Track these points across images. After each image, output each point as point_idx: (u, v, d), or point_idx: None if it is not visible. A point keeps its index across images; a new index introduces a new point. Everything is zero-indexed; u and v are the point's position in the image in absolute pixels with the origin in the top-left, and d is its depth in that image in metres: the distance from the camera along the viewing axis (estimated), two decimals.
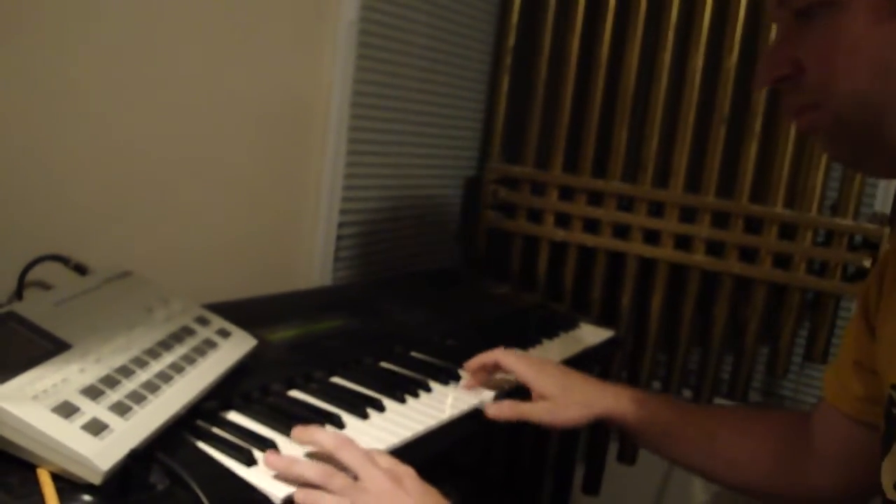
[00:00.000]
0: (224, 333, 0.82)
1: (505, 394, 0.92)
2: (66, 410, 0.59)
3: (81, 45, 0.90)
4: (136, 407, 0.63)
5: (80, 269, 0.89)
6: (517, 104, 1.63)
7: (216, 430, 0.71)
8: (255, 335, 0.85)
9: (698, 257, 1.48)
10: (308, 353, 0.93)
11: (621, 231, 1.54)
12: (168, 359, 0.72)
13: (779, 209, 1.42)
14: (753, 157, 1.43)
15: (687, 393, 1.57)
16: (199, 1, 1.02)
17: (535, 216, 1.60)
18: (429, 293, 1.35)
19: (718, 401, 1.58)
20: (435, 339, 1.09)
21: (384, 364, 0.97)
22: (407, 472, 0.67)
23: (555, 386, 0.90)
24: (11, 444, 0.57)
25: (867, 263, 1.37)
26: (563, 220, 1.57)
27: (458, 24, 1.54)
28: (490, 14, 1.64)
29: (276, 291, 1.18)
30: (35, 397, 0.58)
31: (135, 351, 0.70)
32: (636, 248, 1.52)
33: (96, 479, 0.56)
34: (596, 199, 1.54)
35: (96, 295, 0.77)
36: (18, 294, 0.86)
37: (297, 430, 0.71)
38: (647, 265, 1.53)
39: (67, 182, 0.92)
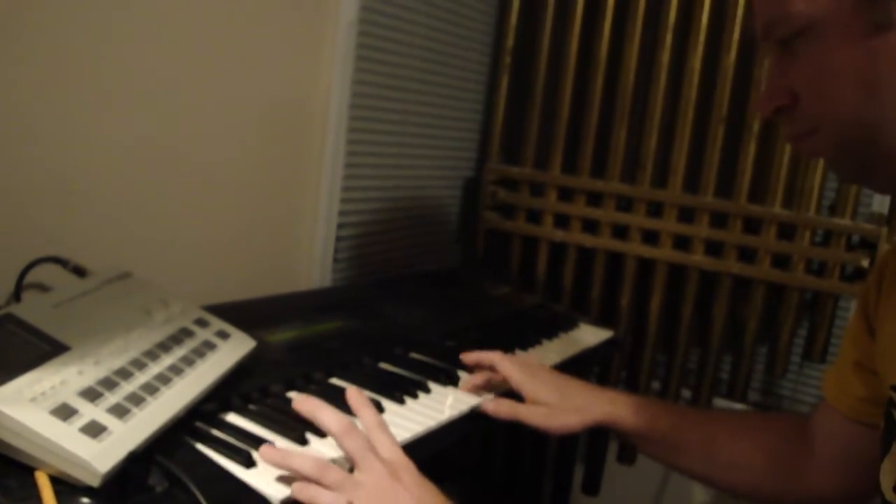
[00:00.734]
0: (223, 335, 0.82)
1: (504, 395, 0.92)
2: (65, 413, 0.59)
3: (80, 47, 0.90)
4: (134, 409, 0.63)
5: (79, 271, 0.89)
6: (516, 105, 1.63)
7: (215, 432, 0.70)
8: (254, 336, 0.85)
9: (697, 257, 1.48)
10: (307, 354, 0.93)
11: (620, 231, 1.54)
12: (167, 361, 0.72)
13: (777, 209, 1.42)
14: (752, 157, 1.43)
15: (686, 393, 1.57)
16: (198, 1, 1.02)
17: (534, 217, 1.60)
18: (428, 294, 1.35)
19: (718, 400, 1.59)
20: (434, 339, 1.09)
21: (383, 365, 0.97)
22: (406, 465, 0.67)
23: (551, 392, 0.89)
24: (10, 446, 0.57)
25: (865, 263, 1.37)
26: (562, 221, 1.57)
27: (456, 24, 1.55)
28: (489, 15, 1.64)
29: (275, 292, 1.18)
30: (33, 399, 0.58)
31: (133, 353, 0.70)
32: (635, 248, 1.52)
33: (95, 482, 0.56)
34: (595, 199, 1.54)
35: (95, 297, 0.77)
36: (17, 296, 0.86)
37: (300, 401, 0.69)
38: (646, 265, 1.53)
39: (66, 183, 0.92)
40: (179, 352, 0.75)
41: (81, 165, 0.93)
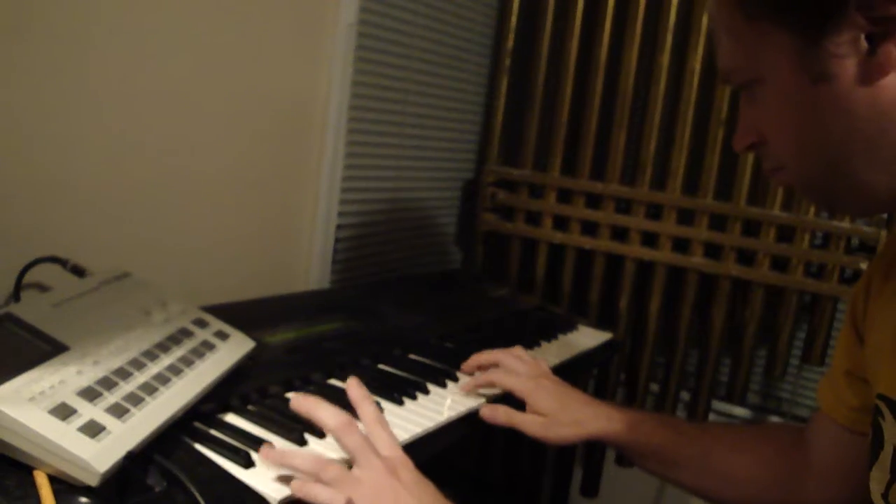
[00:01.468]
0: (222, 335, 0.82)
1: (503, 397, 0.92)
2: (64, 412, 0.59)
3: (80, 48, 0.90)
4: (133, 409, 0.63)
5: (78, 271, 0.89)
6: (515, 106, 1.63)
7: (214, 432, 0.70)
8: (253, 337, 0.85)
9: (696, 259, 1.48)
10: (306, 355, 0.93)
11: (619, 233, 1.54)
12: (166, 361, 0.72)
13: (776, 212, 1.42)
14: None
15: (685, 395, 1.57)
16: (198, 3, 1.02)
17: (534, 219, 1.60)
18: (427, 295, 1.35)
19: (717, 403, 1.59)
20: (433, 341, 1.09)
21: (382, 366, 0.97)
22: (404, 462, 0.67)
23: (551, 403, 0.89)
24: (8, 446, 0.57)
25: (864, 266, 1.37)
26: (561, 223, 1.57)
27: (456, 26, 1.55)
28: (489, 16, 1.65)
29: (274, 294, 1.18)
30: (32, 399, 0.58)
31: (132, 353, 0.70)
32: (634, 250, 1.52)
33: (93, 481, 0.56)
34: (594, 201, 1.54)
35: (94, 297, 0.77)
36: (16, 296, 0.86)
37: (298, 399, 0.69)
38: (646, 267, 1.53)
39: (65, 183, 0.92)
40: (178, 352, 0.75)
41: (81, 166, 0.93)
